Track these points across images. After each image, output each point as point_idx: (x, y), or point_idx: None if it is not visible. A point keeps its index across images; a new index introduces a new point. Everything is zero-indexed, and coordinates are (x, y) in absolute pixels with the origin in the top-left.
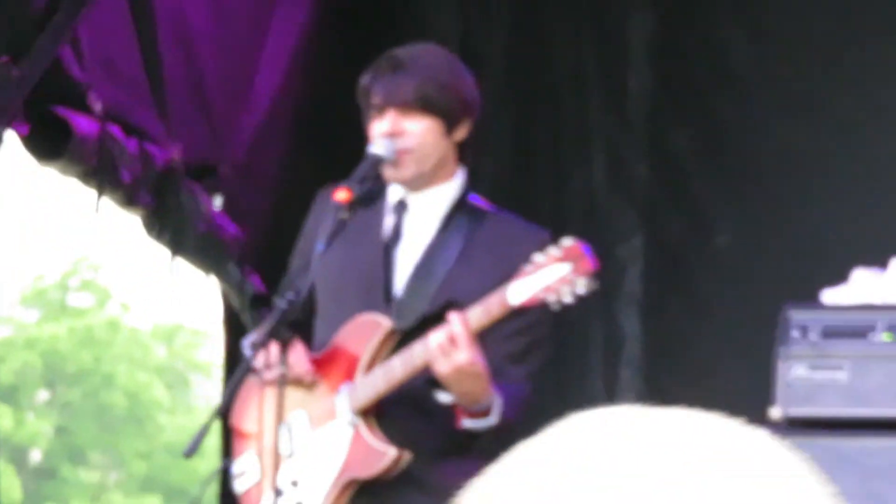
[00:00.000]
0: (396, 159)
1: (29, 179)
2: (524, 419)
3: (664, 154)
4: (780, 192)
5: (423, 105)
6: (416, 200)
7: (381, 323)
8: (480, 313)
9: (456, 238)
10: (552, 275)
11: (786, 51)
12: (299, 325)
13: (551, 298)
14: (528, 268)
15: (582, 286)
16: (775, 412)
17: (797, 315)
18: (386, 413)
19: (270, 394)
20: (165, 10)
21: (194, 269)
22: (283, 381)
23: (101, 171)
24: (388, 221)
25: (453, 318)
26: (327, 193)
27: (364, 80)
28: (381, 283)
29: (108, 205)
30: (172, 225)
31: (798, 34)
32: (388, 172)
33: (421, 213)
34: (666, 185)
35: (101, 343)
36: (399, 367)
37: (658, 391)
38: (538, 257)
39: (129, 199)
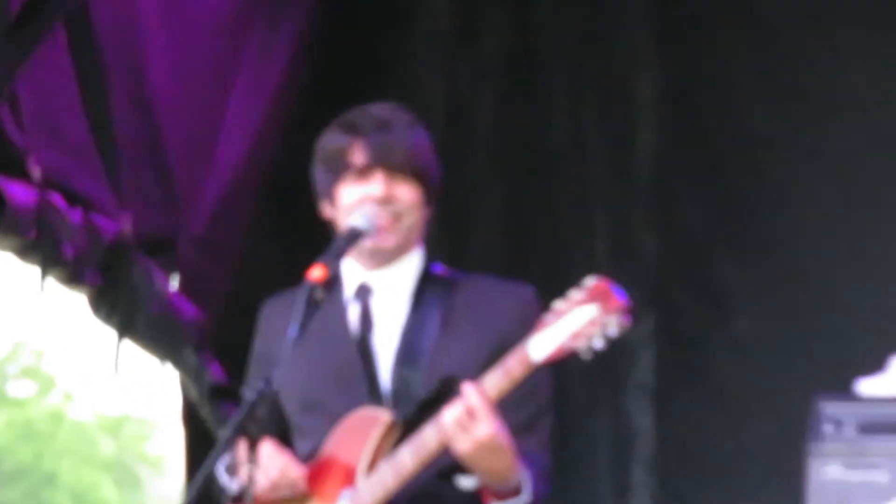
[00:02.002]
0: (378, 228)
1: None
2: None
3: (676, 226)
4: (807, 270)
5: (415, 170)
6: (378, 280)
7: (380, 416)
8: (500, 378)
9: (431, 312)
10: (578, 319)
11: (813, 109)
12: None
13: (581, 345)
14: (548, 318)
15: (614, 327)
16: None
17: (830, 407)
18: None
19: None
20: (118, 64)
21: (146, 353)
22: (252, 485)
23: (41, 246)
24: (353, 311)
25: (469, 389)
26: (272, 306)
27: (336, 137)
28: (363, 378)
29: (52, 283)
30: (122, 305)
31: (827, 90)
32: (369, 243)
33: (388, 294)
34: (679, 261)
35: (43, 436)
36: (410, 458)
37: (673, 494)
38: (558, 304)
39: (73, 277)
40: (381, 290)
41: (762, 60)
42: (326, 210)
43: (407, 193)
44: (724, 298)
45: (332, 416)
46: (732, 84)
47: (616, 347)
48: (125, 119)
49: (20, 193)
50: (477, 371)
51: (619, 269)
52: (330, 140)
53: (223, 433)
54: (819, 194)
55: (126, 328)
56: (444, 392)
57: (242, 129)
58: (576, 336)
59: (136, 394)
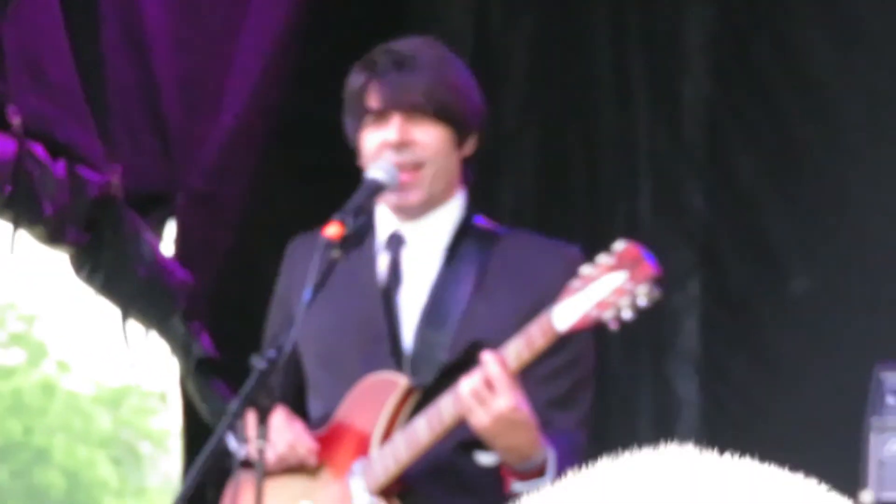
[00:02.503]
0: (402, 183)
1: None
2: None
3: (727, 180)
4: (869, 228)
5: (437, 110)
6: (412, 231)
7: (397, 382)
8: (522, 347)
9: (466, 269)
10: (605, 287)
11: (879, 54)
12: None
13: (608, 315)
14: (575, 284)
15: (644, 296)
16: (867, 496)
17: (892, 378)
18: (414, 490)
19: (272, 489)
20: (110, 4)
21: (132, 321)
22: (262, 460)
23: (16, 202)
24: (383, 261)
25: (488, 358)
26: (299, 244)
27: (356, 79)
28: (384, 336)
29: (33, 241)
30: (106, 266)
31: (894, 32)
32: (393, 199)
33: (420, 246)
34: (728, 218)
35: (34, 410)
36: (424, 429)
37: None
38: (586, 269)
39: (53, 235)
40: (414, 242)
41: (824, 1)
42: (358, 159)
43: (428, 136)
44: (778, 258)
45: (348, 375)
46: (790, 25)
47: (659, 311)
48: (117, 62)
49: None
50: (508, 337)
51: (662, 226)
52: (350, 81)
53: (232, 404)
54: (885, 145)
55: (109, 291)
56: (469, 358)
57: (247, 76)
58: (602, 305)
59: (138, 363)
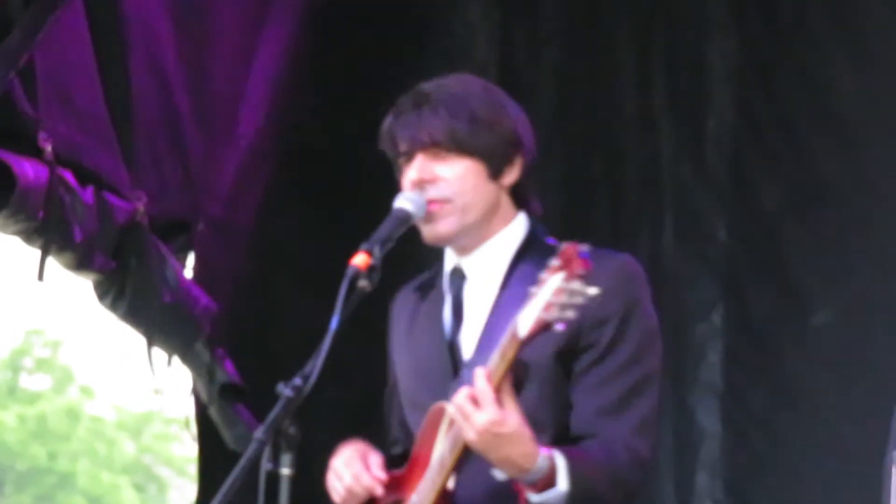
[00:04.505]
0: (430, 213)
1: None
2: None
3: (750, 212)
4: (892, 261)
5: (457, 145)
6: (471, 264)
7: (443, 409)
8: (497, 359)
9: (521, 287)
10: (550, 289)
11: None
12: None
13: (552, 316)
14: (533, 289)
15: (579, 295)
16: None
17: None
18: None
19: None
20: (136, 34)
21: (155, 348)
22: (289, 486)
23: (48, 228)
24: (448, 303)
25: (477, 373)
26: (402, 296)
27: (386, 123)
28: (450, 377)
29: (59, 268)
30: (130, 293)
31: None
32: (424, 231)
33: (480, 277)
34: (751, 249)
35: (58, 435)
36: (448, 450)
37: (739, 501)
38: (542, 274)
39: (81, 262)
40: (474, 275)
41: (847, 32)
42: None
43: (452, 171)
44: (800, 290)
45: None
46: (813, 57)
47: (682, 342)
48: (142, 93)
49: (30, 171)
50: (550, 351)
51: (686, 256)
52: (383, 126)
53: (258, 432)
54: None
55: (133, 318)
56: (515, 382)
57: (262, 101)
58: (548, 307)
59: (161, 389)
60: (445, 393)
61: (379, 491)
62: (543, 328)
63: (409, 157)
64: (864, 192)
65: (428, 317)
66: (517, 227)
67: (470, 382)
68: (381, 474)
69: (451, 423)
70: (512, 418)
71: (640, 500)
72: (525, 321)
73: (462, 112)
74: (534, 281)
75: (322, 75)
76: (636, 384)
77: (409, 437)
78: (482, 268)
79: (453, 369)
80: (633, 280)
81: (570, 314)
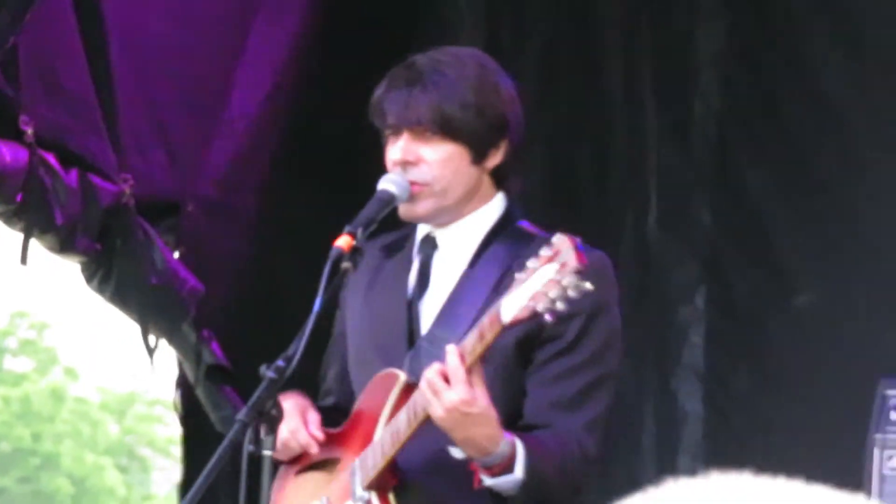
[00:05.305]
0: (411, 194)
1: None
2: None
3: (735, 194)
4: (876, 243)
5: (443, 129)
6: (444, 236)
7: (397, 376)
8: (474, 339)
9: (490, 270)
10: (541, 278)
11: (888, 69)
12: (342, 409)
13: (541, 307)
14: (520, 276)
15: (572, 288)
16: None
17: None
18: (410, 484)
19: (298, 482)
20: (117, 15)
21: (141, 328)
22: (270, 467)
23: (28, 211)
24: (415, 267)
25: (449, 349)
26: (336, 251)
27: (377, 92)
28: (402, 339)
29: (43, 250)
30: (117, 275)
31: None
32: (401, 210)
33: (451, 250)
34: (735, 231)
35: (42, 417)
36: (404, 422)
37: None
38: (530, 262)
39: (64, 244)
40: (446, 246)
41: (834, 15)
42: None
43: (435, 154)
44: (784, 272)
45: (371, 374)
46: (800, 40)
47: (665, 325)
48: (123, 71)
49: (8, 153)
50: (511, 338)
51: (670, 240)
52: (374, 96)
53: (241, 413)
54: (893, 160)
55: (120, 300)
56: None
57: (257, 84)
58: (537, 297)
59: (147, 370)
60: (395, 356)
61: (314, 450)
62: (531, 317)
63: (396, 132)
64: (848, 174)
65: (392, 276)
66: (494, 207)
67: (428, 355)
68: (319, 434)
69: (405, 392)
70: (481, 399)
71: (622, 482)
72: (510, 307)
73: (453, 97)
74: (507, 264)
75: (321, 58)
76: (594, 381)
77: (344, 391)
78: (455, 241)
79: (408, 333)
80: (605, 279)
81: (561, 306)
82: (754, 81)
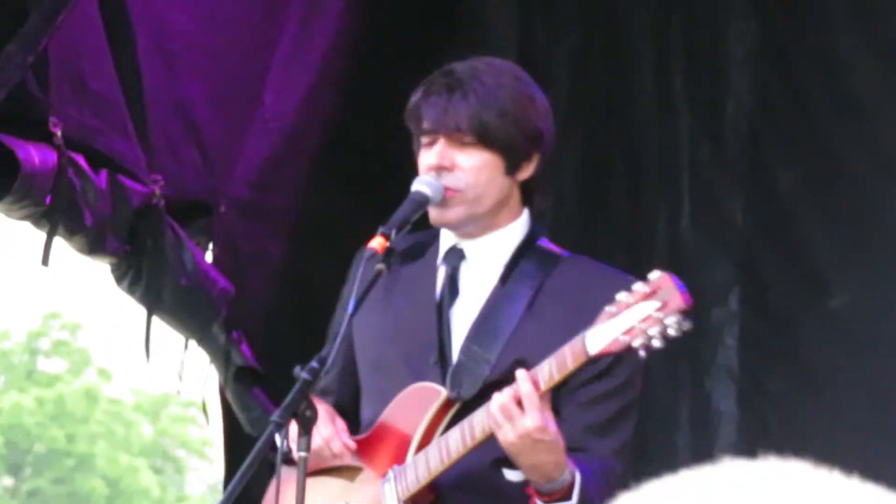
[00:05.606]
0: (444, 199)
1: None
2: None
3: (768, 194)
4: None
5: (481, 136)
6: (472, 248)
7: (438, 392)
8: (554, 368)
9: (522, 288)
10: (637, 314)
11: None
12: (341, 411)
13: (637, 343)
14: (610, 309)
15: (673, 327)
16: None
17: None
18: (445, 500)
19: (312, 487)
20: (145, 14)
21: (172, 330)
22: (304, 468)
23: (56, 212)
24: (441, 273)
25: (521, 375)
26: (369, 252)
27: (414, 97)
28: (434, 347)
29: (72, 252)
30: (148, 276)
31: None
32: (432, 214)
33: (479, 263)
34: (769, 231)
35: (76, 418)
36: (456, 442)
37: None
38: (622, 296)
39: (92, 246)
40: (474, 259)
41: (865, 15)
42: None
43: (470, 162)
44: (818, 273)
45: (396, 382)
46: (831, 40)
47: (699, 326)
48: (151, 74)
49: (37, 156)
50: None
51: (703, 240)
52: (411, 100)
53: (275, 414)
54: None
55: (151, 301)
56: (513, 377)
57: (293, 85)
58: (633, 332)
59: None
60: (424, 367)
61: (347, 459)
62: (623, 350)
63: (431, 138)
64: (881, 173)
65: (415, 283)
66: (521, 223)
67: (468, 372)
68: (352, 443)
69: (443, 408)
70: (552, 426)
71: None
72: (598, 339)
73: (491, 105)
74: (538, 283)
75: (357, 60)
76: (624, 407)
77: (345, 393)
78: (483, 255)
79: (438, 343)
80: None
81: (657, 344)
82: (786, 81)
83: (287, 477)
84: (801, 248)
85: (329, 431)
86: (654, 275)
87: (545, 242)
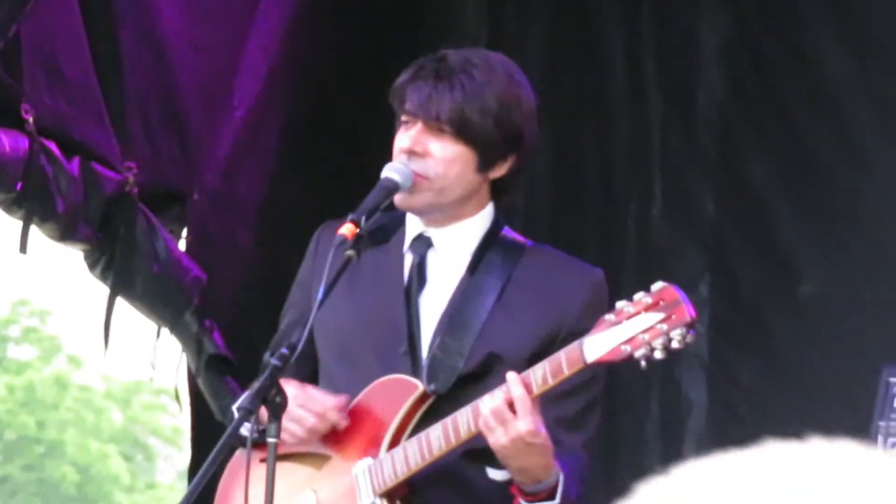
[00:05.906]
0: (413, 184)
1: None
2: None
3: (738, 184)
4: (879, 234)
5: (459, 130)
6: (440, 236)
7: (415, 385)
8: (548, 373)
9: (491, 279)
10: (639, 325)
11: (891, 62)
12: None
13: (639, 353)
14: (609, 317)
15: (678, 339)
16: None
17: None
18: (419, 494)
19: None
20: (127, 6)
21: (144, 317)
22: (274, 455)
23: (28, 199)
24: (408, 261)
25: (512, 378)
26: (327, 232)
27: (402, 77)
28: (403, 336)
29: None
30: (119, 263)
31: None
32: (397, 197)
33: (446, 252)
34: (740, 223)
35: (47, 404)
36: (438, 439)
37: None
38: (623, 305)
39: (64, 233)
40: (441, 247)
41: (838, 8)
42: None
43: (443, 152)
44: (788, 262)
45: (363, 370)
46: (803, 32)
47: None
48: (134, 62)
49: (8, 143)
50: (527, 352)
51: (673, 229)
52: (397, 80)
53: (243, 400)
54: (894, 152)
55: (122, 288)
56: (486, 369)
57: (255, 73)
58: (634, 342)
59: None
60: (394, 358)
61: (345, 424)
62: (623, 360)
63: (411, 120)
64: (852, 165)
65: (380, 268)
66: (486, 214)
67: (442, 366)
68: (340, 403)
69: (419, 402)
70: (543, 430)
71: (627, 472)
72: (596, 347)
73: (475, 101)
74: (505, 274)
75: (324, 47)
76: (591, 401)
77: (303, 375)
78: (450, 244)
79: (408, 333)
80: (605, 299)
81: (660, 356)
82: (758, 72)
83: (240, 463)
84: (771, 238)
85: (319, 406)
86: (658, 285)
87: (508, 231)
